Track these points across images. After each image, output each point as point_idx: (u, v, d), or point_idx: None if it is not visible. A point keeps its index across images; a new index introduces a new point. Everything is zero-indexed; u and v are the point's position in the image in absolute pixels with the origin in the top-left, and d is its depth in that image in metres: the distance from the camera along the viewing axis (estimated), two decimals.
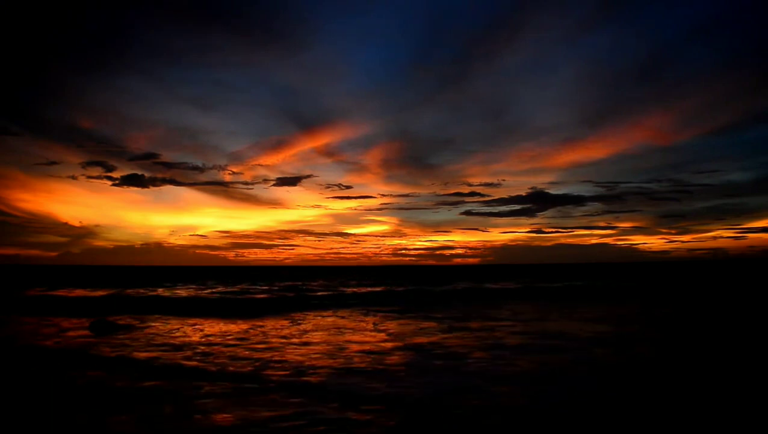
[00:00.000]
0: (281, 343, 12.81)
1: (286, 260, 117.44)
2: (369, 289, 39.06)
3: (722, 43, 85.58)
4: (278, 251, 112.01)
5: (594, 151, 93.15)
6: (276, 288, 40.02)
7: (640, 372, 9.40)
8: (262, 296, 32.03)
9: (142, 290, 36.04)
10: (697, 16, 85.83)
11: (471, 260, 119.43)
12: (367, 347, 12.18)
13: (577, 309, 22.13)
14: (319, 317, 19.53)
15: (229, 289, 38.91)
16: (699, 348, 12.27)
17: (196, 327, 16.48)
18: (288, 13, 78.96)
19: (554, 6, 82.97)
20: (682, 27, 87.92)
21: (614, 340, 13.30)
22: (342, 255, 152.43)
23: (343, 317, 19.38)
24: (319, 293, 34.11)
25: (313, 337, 13.95)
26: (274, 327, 16.23)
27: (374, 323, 17.22)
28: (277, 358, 10.73)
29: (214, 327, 16.31)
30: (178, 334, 14.58)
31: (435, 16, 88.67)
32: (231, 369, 9.68)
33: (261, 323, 17.36)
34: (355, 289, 39.29)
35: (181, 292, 35.45)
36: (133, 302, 26.58)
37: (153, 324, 16.74)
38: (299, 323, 17.43)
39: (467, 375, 9.16)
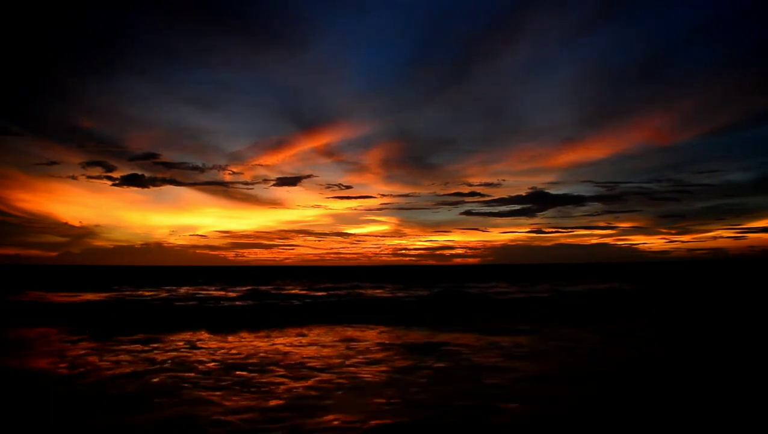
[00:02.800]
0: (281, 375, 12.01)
1: (286, 260, 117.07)
2: (373, 292, 38.26)
3: (722, 43, 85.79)
4: (278, 251, 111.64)
5: (594, 151, 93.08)
6: (276, 292, 39.29)
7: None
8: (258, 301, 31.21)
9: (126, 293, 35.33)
10: (697, 16, 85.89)
11: (471, 260, 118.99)
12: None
13: (595, 319, 21.31)
14: (306, 335, 18.70)
15: (225, 293, 38.19)
16: (707, 351, 11.86)
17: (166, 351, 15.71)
18: (288, 13, 78.60)
19: (554, 6, 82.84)
20: (682, 27, 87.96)
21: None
22: (342, 255, 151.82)
23: (353, 341, 18.48)
24: (303, 292, 33.30)
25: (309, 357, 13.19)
26: (286, 342, 15.51)
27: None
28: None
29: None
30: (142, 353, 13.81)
31: (435, 16, 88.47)
32: None
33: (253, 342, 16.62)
34: (354, 291, 38.40)
35: (174, 294, 34.72)
36: (124, 309, 25.80)
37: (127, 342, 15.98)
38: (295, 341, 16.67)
39: None
